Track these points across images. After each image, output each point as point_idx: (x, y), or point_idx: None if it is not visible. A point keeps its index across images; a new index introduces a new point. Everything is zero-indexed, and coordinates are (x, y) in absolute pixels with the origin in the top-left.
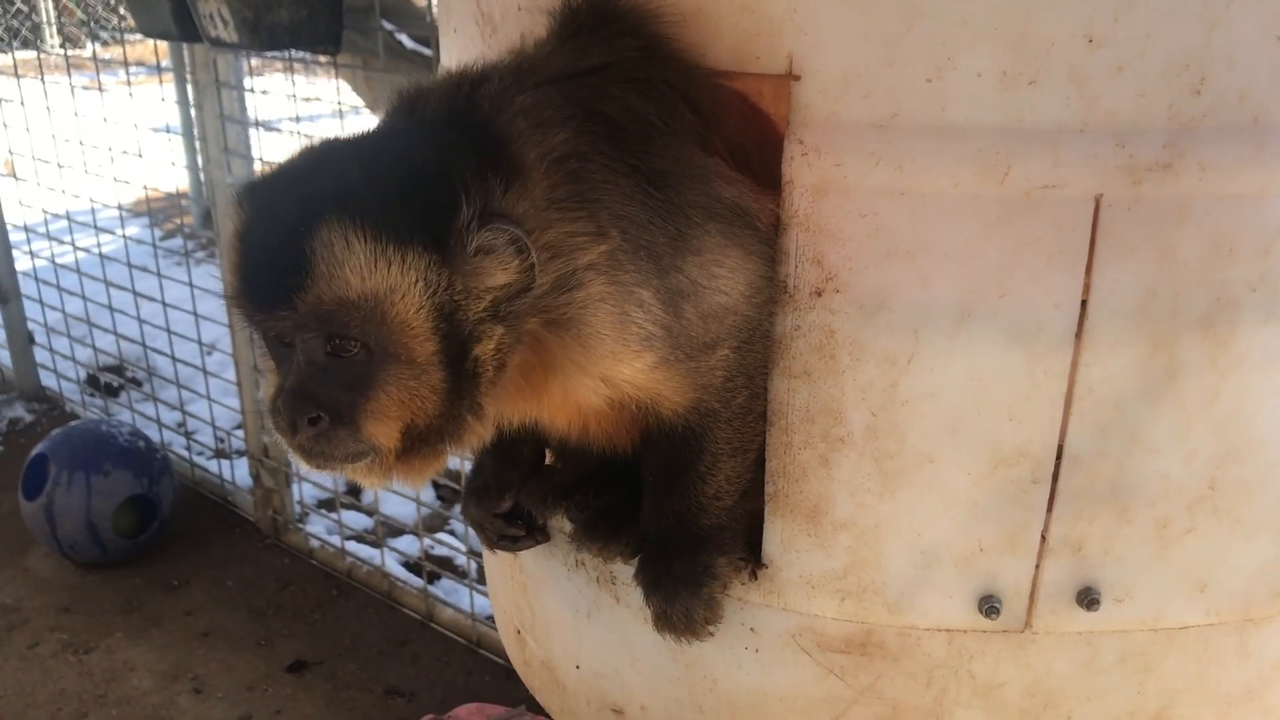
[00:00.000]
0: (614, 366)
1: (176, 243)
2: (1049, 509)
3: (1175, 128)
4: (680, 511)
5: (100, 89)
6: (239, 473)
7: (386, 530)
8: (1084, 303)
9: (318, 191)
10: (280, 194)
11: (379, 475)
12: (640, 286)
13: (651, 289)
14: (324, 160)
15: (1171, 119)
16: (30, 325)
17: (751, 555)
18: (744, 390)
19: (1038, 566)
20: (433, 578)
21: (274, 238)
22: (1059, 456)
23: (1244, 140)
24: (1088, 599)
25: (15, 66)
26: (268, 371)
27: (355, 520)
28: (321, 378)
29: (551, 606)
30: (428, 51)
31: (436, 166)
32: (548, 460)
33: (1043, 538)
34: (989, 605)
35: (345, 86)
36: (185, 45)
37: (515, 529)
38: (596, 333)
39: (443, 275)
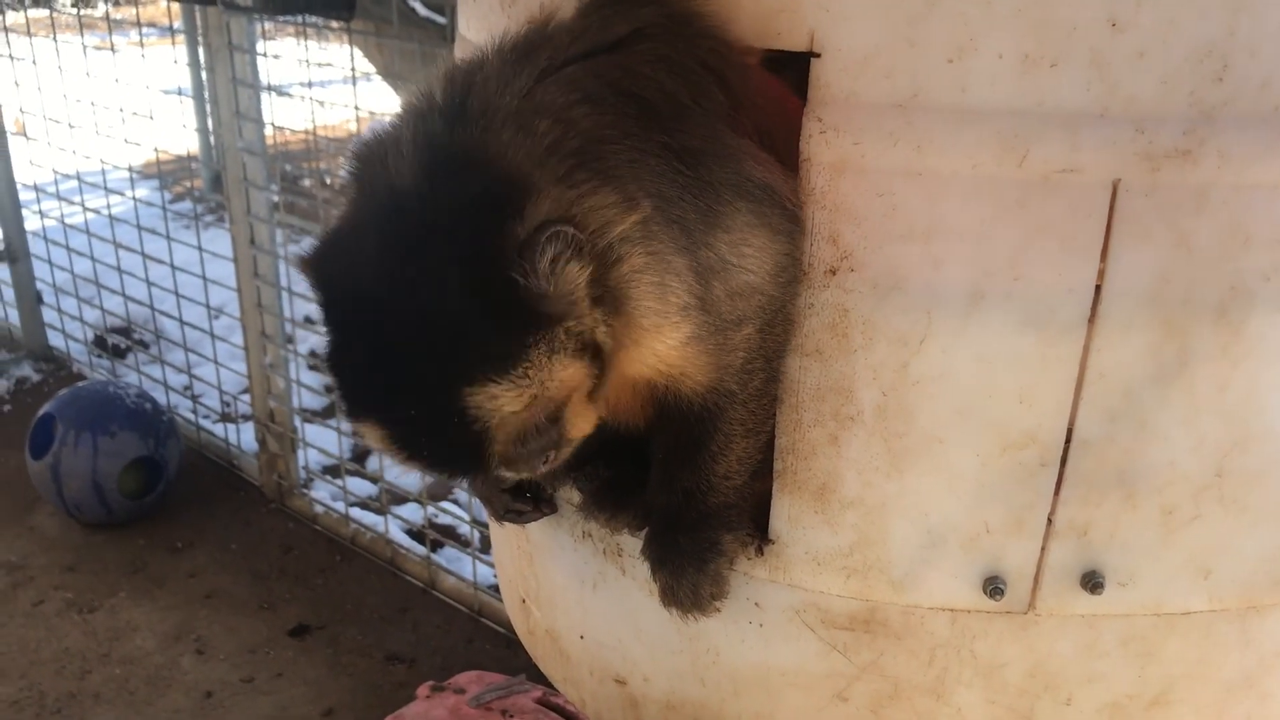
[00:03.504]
0: (653, 339)
1: (186, 206)
2: (1056, 492)
3: (1195, 115)
4: (690, 488)
5: (112, 49)
6: (244, 437)
7: (390, 498)
8: (1098, 288)
9: (443, 360)
10: (397, 386)
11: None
12: (676, 255)
13: (685, 260)
14: (404, 299)
15: (1192, 106)
16: (39, 285)
17: (758, 531)
18: (761, 373)
19: (1043, 549)
20: (436, 546)
21: (432, 432)
22: (1068, 440)
23: (1265, 129)
24: (1091, 582)
25: (28, 25)
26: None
27: (360, 487)
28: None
29: (557, 577)
30: (441, 19)
31: (456, 275)
32: None
33: (1049, 521)
34: (993, 586)
35: (358, 53)
36: (198, 7)
37: (522, 503)
38: (640, 304)
39: (550, 329)
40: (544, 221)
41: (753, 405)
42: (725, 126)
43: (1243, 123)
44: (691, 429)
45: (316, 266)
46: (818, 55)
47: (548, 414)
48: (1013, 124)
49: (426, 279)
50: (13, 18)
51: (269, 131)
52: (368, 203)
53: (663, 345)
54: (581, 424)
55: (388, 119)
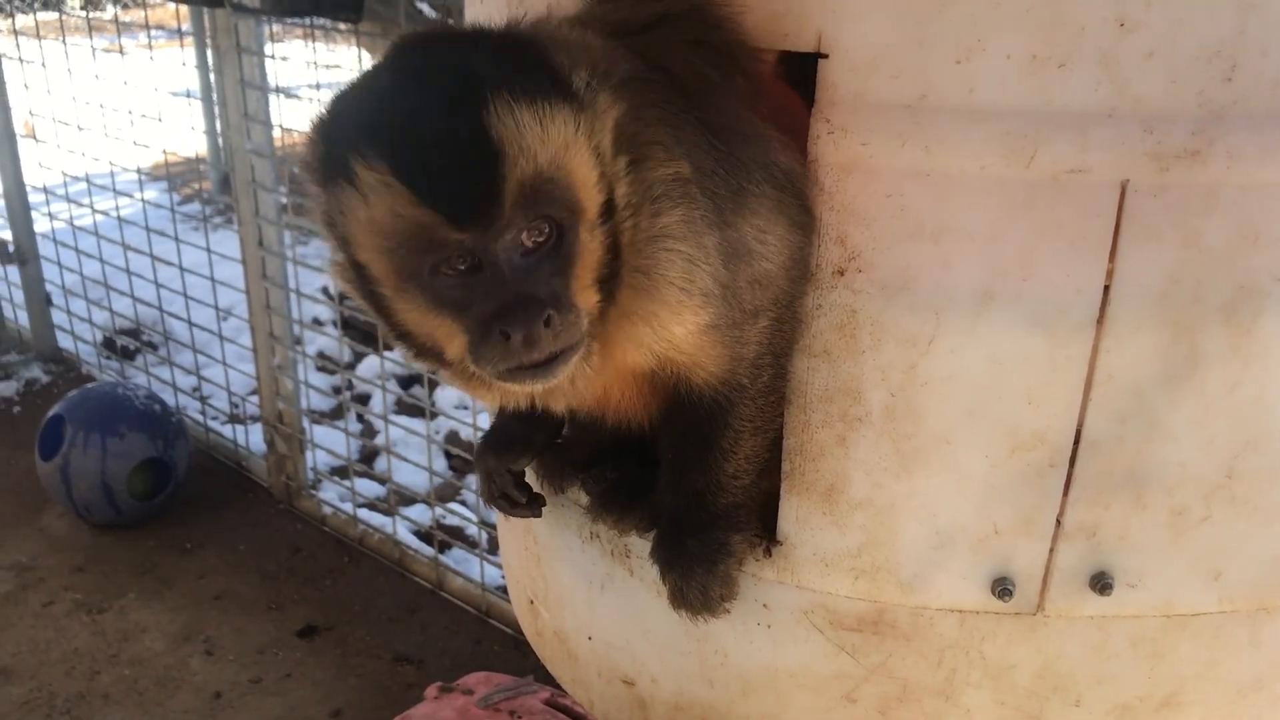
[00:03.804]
0: (672, 320)
1: (194, 207)
2: (1065, 493)
3: (1204, 115)
4: (699, 489)
5: (121, 52)
6: (253, 438)
7: (398, 499)
8: (1106, 288)
9: (461, 88)
10: (419, 111)
11: (587, 369)
12: (708, 231)
13: (714, 239)
14: (429, 68)
15: (1201, 106)
16: (48, 287)
17: (765, 532)
18: (770, 369)
19: (1052, 550)
20: (444, 547)
21: (447, 152)
22: (1077, 441)
23: (1274, 129)
24: (1101, 584)
25: (37, 28)
26: (438, 326)
27: (368, 488)
28: (531, 279)
29: (565, 578)
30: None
31: (539, 50)
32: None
33: (1058, 522)
34: (1002, 587)
35: (366, 54)
36: (206, 10)
37: (519, 493)
38: (666, 275)
39: (582, 119)
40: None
41: (761, 402)
42: (750, 110)
43: (1252, 122)
44: (701, 425)
45: (321, 123)
46: (825, 56)
47: (561, 194)
48: (1021, 124)
49: (466, 52)
50: (22, 21)
51: (277, 133)
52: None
53: (681, 329)
54: (585, 257)
55: None
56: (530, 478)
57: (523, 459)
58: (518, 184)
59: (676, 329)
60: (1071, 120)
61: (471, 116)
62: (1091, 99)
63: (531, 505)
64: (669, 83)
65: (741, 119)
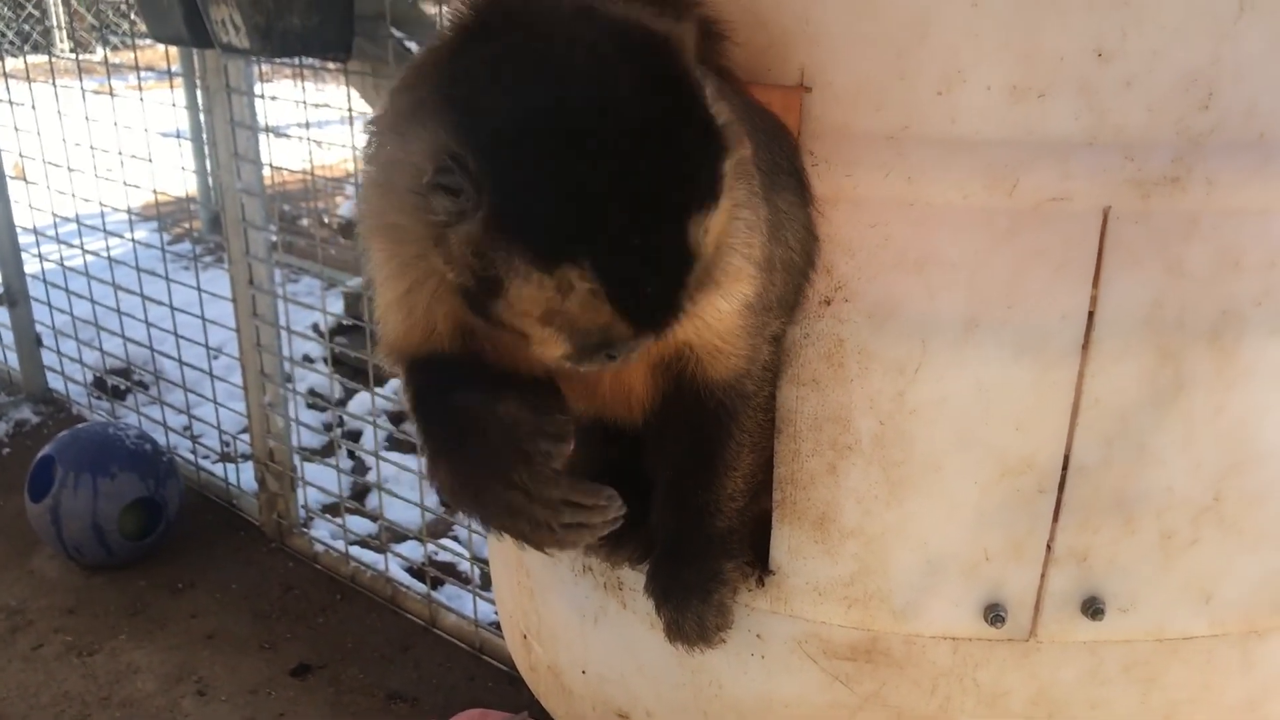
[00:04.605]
0: (723, 292)
1: (185, 247)
2: (1055, 519)
3: (1183, 142)
4: (700, 505)
5: (111, 93)
6: (244, 477)
7: (390, 535)
8: (1091, 314)
9: (669, 190)
10: (628, 225)
11: None
12: (762, 204)
13: (765, 211)
14: (626, 144)
15: (1179, 133)
16: (38, 328)
17: (758, 561)
18: (769, 384)
19: (1043, 576)
20: (436, 583)
21: (653, 269)
22: (1065, 467)
23: (1251, 155)
24: (1092, 609)
25: (27, 70)
26: (546, 340)
27: (359, 525)
28: None
29: (558, 611)
30: None
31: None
32: None
33: (1048, 547)
34: (994, 614)
35: (355, 93)
36: (196, 51)
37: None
38: (730, 244)
39: (729, 153)
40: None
41: (760, 416)
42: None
43: (1229, 149)
44: (705, 433)
45: (457, 106)
46: (809, 89)
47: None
48: (1003, 154)
49: (636, 112)
50: (12, 63)
51: (267, 172)
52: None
53: (726, 303)
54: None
55: None
56: None
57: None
58: (695, 287)
59: (723, 302)
60: (1053, 149)
61: (677, 234)
62: (1072, 128)
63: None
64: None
65: (761, 113)
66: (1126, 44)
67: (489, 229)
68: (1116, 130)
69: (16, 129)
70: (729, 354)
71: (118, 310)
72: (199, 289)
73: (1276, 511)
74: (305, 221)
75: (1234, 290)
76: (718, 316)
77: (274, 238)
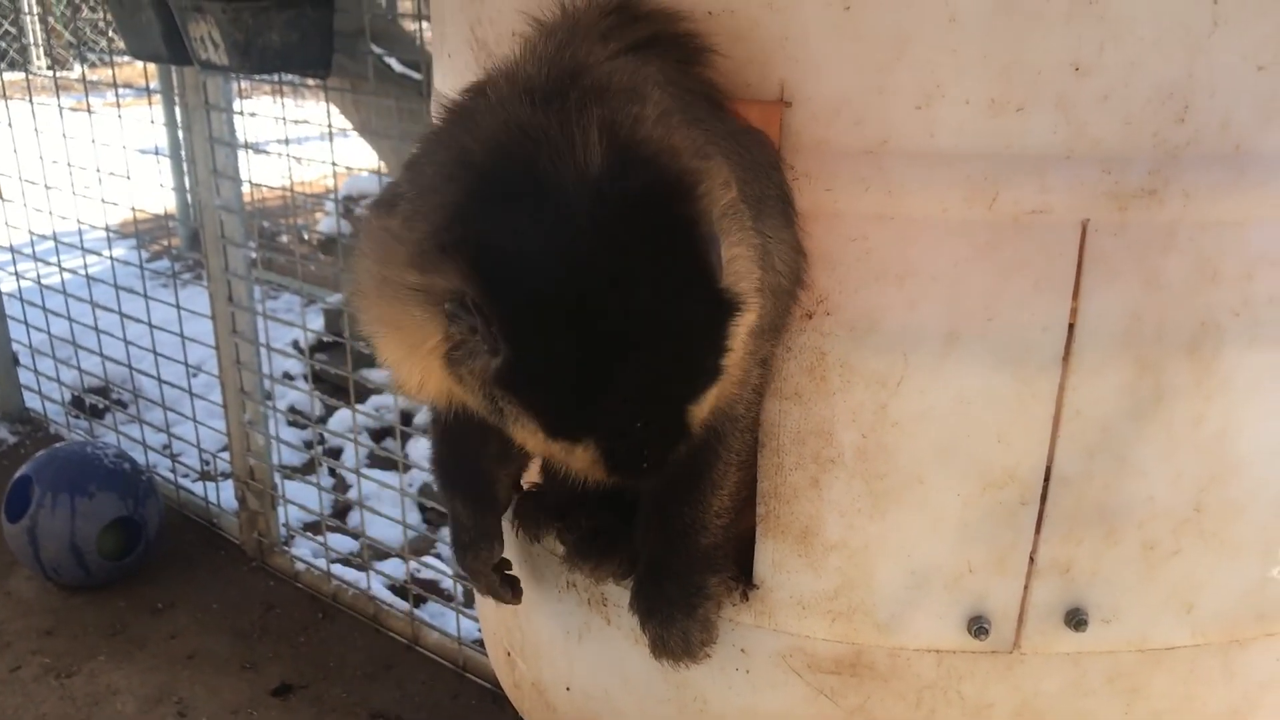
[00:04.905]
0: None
1: (163, 264)
2: (1037, 530)
3: (1160, 155)
4: (686, 524)
5: (89, 110)
6: (224, 495)
7: (372, 553)
8: (1071, 326)
9: (674, 372)
10: (635, 405)
11: None
12: (755, 236)
13: (758, 244)
14: (633, 321)
15: (1156, 146)
16: (15, 347)
17: (742, 576)
18: (756, 405)
19: (1026, 587)
20: (419, 601)
21: (651, 444)
22: (1047, 478)
23: (1226, 167)
24: (1075, 620)
25: (3, 88)
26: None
27: (341, 543)
28: None
29: (542, 629)
30: (417, 75)
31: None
32: (525, 483)
33: (1031, 559)
34: (978, 626)
35: (334, 109)
36: (175, 68)
37: (504, 590)
38: (736, 274)
39: (736, 319)
40: (711, 205)
41: (748, 437)
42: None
43: (1206, 161)
44: (693, 455)
45: (481, 258)
46: (789, 105)
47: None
48: (982, 167)
49: (648, 291)
50: None
51: (246, 189)
52: (532, 183)
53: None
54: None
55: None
56: (506, 529)
57: (494, 549)
58: (685, 445)
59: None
60: (1031, 162)
61: (678, 417)
62: (1050, 141)
63: (517, 596)
64: (689, 96)
65: (748, 130)
66: (1103, 58)
67: (502, 383)
68: (1094, 143)
69: None
70: (726, 383)
71: (96, 328)
72: (178, 306)
73: (1256, 521)
74: (285, 238)
75: (1212, 301)
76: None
77: (253, 254)
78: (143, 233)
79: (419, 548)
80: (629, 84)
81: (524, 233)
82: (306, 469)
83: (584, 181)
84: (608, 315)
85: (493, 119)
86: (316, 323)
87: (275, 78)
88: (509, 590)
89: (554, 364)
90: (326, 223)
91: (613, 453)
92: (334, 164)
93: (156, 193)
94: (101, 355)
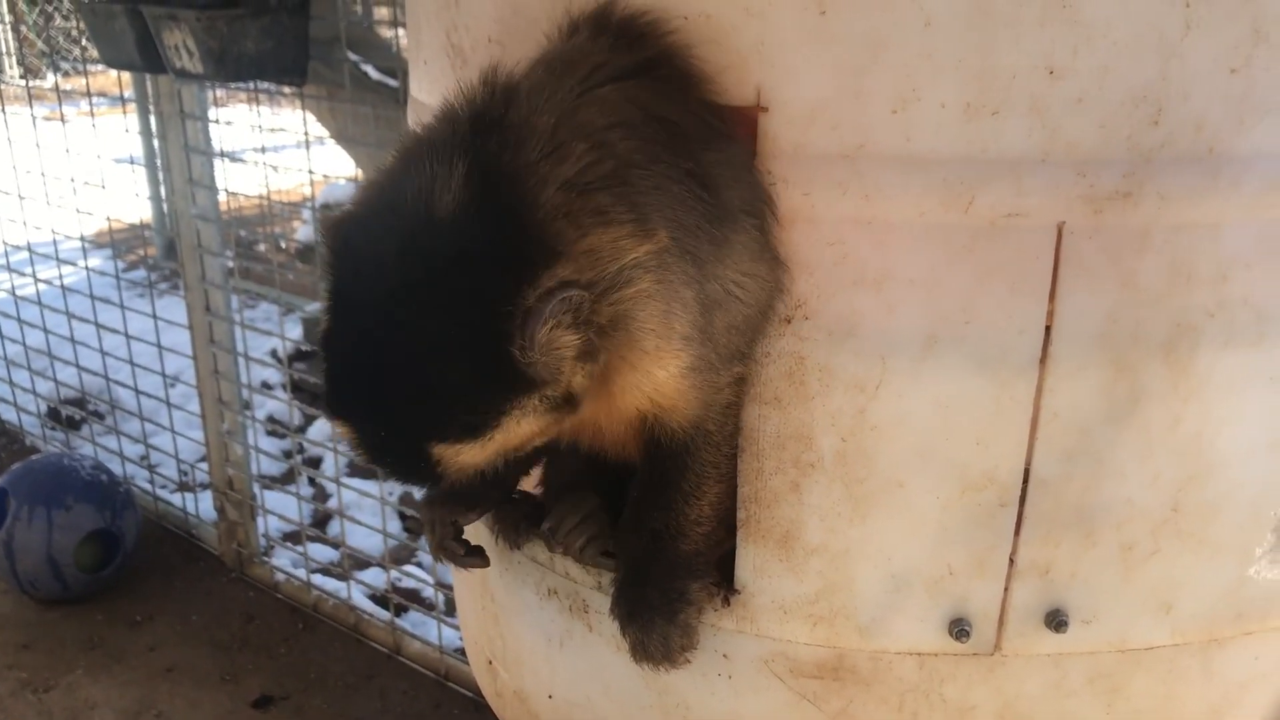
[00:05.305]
0: (653, 364)
1: (139, 274)
2: (1016, 532)
3: (1134, 158)
4: (657, 529)
5: (62, 120)
6: (203, 506)
7: (353, 563)
8: (1048, 329)
9: (407, 422)
10: (382, 433)
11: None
12: (684, 287)
13: (692, 293)
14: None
15: (1131, 149)
16: None
17: (724, 581)
18: (734, 419)
19: (1006, 589)
20: (400, 610)
21: (395, 468)
22: (1025, 480)
23: (1200, 170)
24: (1056, 621)
25: None
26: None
27: (321, 553)
28: None
29: (524, 636)
30: (393, 82)
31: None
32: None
33: (1011, 561)
34: (959, 628)
35: (310, 117)
36: (149, 76)
37: (458, 545)
38: (642, 328)
39: (529, 395)
40: (555, 287)
41: (725, 449)
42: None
43: (1180, 164)
44: (665, 465)
45: (338, 235)
46: (765, 110)
47: (505, 455)
48: (958, 171)
49: (431, 323)
50: None
51: (223, 197)
52: (399, 197)
53: (662, 372)
54: (537, 444)
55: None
56: (487, 536)
57: (470, 514)
58: (460, 477)
59: (659, 372)
60: (1007, 166)
61: (425, 446)
62: (1025, 145)
63: (471, 555)
64: (665, 134)
65: (736, 159)
66: (1077, 61)
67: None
68: (1069, 146)
69: None
70: (682, 409)
71: (71, 339)
72: (154, 316)
73: (1233, 521)
74: (262, 247)
75: (1187, 303)
76: (656, 386)
77: (230, 263)
78: (118, 242)
79: (400, 557)
80: (548, 129)
81: (358, 240)
82: (286, 479)
83: (421, 215)
84: (374, 321)
85: (413, 136)
86: (295, 331)
87: (251, 86)
88: (446, 554)
89: (330, 340)
90: (304, 231)
91: (362, 445)
92: (311, 172)
93: (132, 202)
94: (78, 366)
